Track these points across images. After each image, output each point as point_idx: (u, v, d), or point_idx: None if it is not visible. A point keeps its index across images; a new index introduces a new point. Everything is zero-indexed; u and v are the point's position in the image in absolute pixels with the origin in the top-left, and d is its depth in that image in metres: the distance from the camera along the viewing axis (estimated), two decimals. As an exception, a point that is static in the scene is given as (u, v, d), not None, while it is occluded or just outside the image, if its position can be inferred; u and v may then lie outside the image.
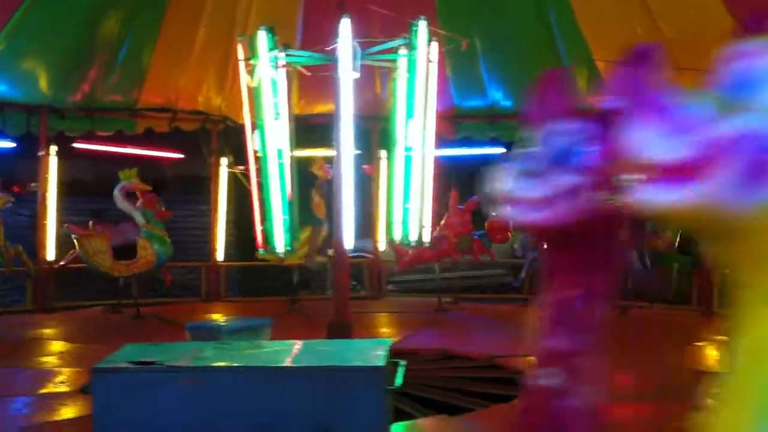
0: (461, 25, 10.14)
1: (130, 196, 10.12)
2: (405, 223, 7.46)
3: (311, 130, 11.14)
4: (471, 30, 10.37)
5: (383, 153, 10.88)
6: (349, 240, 7.10)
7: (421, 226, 7.51)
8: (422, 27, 7.21)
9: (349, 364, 3.67)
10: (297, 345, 4.21)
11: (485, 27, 10.51)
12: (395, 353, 4.08)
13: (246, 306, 11.18)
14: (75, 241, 9.91)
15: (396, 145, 7.68)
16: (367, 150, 12.73)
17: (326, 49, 7.23)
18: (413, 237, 7.44)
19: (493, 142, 12.64)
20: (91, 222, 10.20)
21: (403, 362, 3.88)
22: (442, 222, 10.66)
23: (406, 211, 7.47)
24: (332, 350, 4.31)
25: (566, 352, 3.04)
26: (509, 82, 11.45)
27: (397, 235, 7.65)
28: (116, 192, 10.01)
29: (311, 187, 10.25)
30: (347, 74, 6.90)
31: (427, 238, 7.76)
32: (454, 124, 12.07)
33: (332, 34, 7.05)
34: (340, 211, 7.01)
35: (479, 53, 10.82)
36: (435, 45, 7.51)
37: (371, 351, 3.86)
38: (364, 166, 13.32)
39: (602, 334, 3.15)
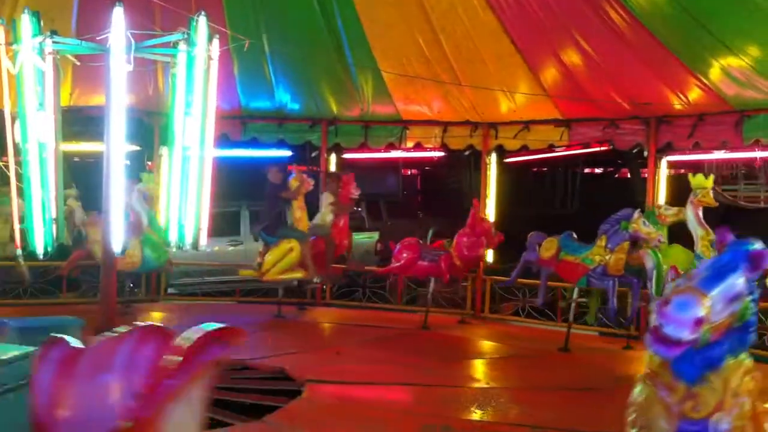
0: (249, 24, 10.02)
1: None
2: (180, 225, 7.18)
3: (86, 122, 10.54)
4: (259, 30, 10.27)
5: (165, 150, 10.44)
6: (117, 241, 6.74)
7: (198, 229, 7.25)
8: (202, 23, 6.97)
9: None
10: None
11: (272, 28, 10.40)
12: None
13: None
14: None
15: (174, 143, 7.38)
16: (150, 146, 12.28)
17: (98, 38, 6.82)
18: (189, 240, 7.17)
19: (281, 144, 12.60)
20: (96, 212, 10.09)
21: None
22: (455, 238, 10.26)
23: (182, 212, 7.18)
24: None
25: None
26: (297, 84, 11.46)
27: (173, 238, 7.35)
28: (136, 192, 10.12)
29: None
30: (119, 66, 6.54)
31: (204, 241, 7.51)
32: (241, 124, 11.91)
33: (108, 23, 6.68)
34: (109, 210, 6.64)
35: (267, 54, 10.70)
36: (216, 42, 7.30)
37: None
38: (149, 163, 12.84)
39: None
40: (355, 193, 10.90)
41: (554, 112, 10.76)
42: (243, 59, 10.32)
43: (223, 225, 12.80)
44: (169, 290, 12.35)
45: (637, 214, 8.55)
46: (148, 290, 11.71)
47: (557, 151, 12.36)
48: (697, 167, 14.16)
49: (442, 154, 12.62)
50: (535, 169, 23.83)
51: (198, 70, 7.04)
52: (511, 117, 11.12)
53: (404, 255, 10.37)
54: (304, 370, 7.59)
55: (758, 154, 11.47)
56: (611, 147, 11.22)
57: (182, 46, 7.08)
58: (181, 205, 7.24)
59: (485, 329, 10.54)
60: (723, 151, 10.21)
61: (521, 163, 19.05)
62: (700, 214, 8.55)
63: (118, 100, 6.64)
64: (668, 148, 10.31)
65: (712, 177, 9.08)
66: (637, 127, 10.32)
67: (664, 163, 10.40)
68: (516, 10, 9.26)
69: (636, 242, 8.78)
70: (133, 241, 9.94)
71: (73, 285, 11.51)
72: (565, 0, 8.86)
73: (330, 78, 11.29)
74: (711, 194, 8.67)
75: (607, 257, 8.76)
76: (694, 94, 9.34)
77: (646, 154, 10.37)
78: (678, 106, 9.64)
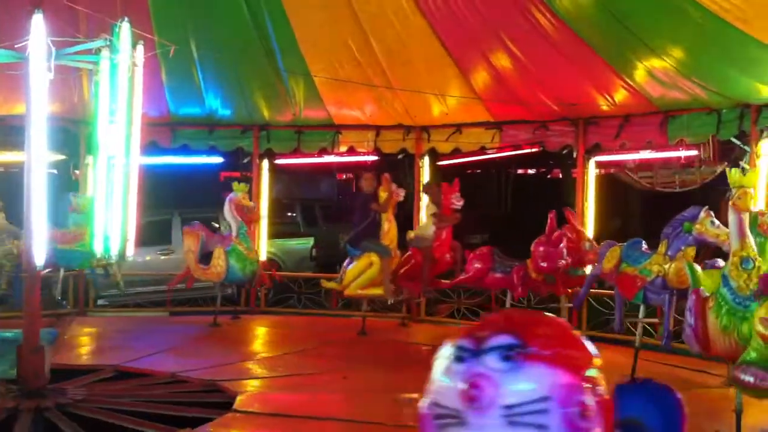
0: (177, 30, 9.85)
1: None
2: (106, 236, 7.00)
3: (9, 131, 10.24)
4: (187, 35, 10.11)
5: (90, 159, 10.22)
6: (40, 253, 6.54)
7: (124, 240, 7.09)
8: (125, 29, 6.81)
9: None
10: None
11: (201, 33, 10.25)
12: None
13: None
14: None
15: (99, 151, 7.21)
16: (77, 155, 12.00)
17: (16, 46, 6.61)
18: (114, 251, 7.00)
19: (212, 151, 12.43)
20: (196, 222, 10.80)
21: None
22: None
23: (108, 222, 7.01)
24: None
25: None
26: (228, 90, 11.33)
27: (98, 249, 7.17)
28: (227, 201, 10.24)
29: None
30: (39, 74, 6.35)
31: (131, 252, 7.35)
32: (170, 131, 11.70)
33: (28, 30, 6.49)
34: (31, 221, 6.45)
35: (196, 60, 10.54)
36: (140, 48, 7.14)
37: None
38: (76, 172, 12.54)
39: None
40: (458, 203, 9.92)
41: (485, 115, 10.85)
42: (171, 65, 10.13)
43: (155, 234, 12.57)
44: (99, 302, 12.06)
45: (704, 213, 7.00)
46: (76, 302, 11.40)
47: (490, 153, 12.45)
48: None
49: (376, 158, 12.58)
50: (469, 171, 24.04)
51: (122, 76, 6.88)
52: (444, 120, 11.17)
53: (475, 265, 9.59)
54: (237, 381, 7.49)
55: (682, 153, 11.77)
56: (542, 148, 11.36)
57: (105, 52, 6.92)
58: (107, 214, 7.07)
59: (424, 332, 10.54)
60: (649, 150, 10.38)
61: (455, 166, 19.18)
62: (745, 221, 6.12)
63: (38, 109, 6.44)
64: (596, 149, 10.49)
65: (755, 174, 7.06)
66: (566, 128, 10.48)
67: (592, 163, 10.57)
68: (445, 14, 9.31)
69: (702, 248, 7.44)
70: (218, 250, 10.08)
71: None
72: (493, 3, 8.93)
73: (261, 83, 11.17)
74: (749, 195, 6.19)
75: (666, 266, 7.31)
76: (620, 95, 9.52)
77: (575, 155, 10.53)
78: (605, 108, 9.81)
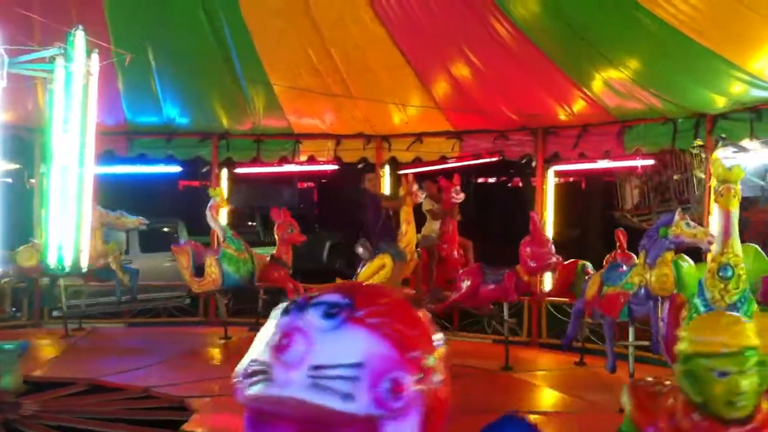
0: (133, 38, 9.71)
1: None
2: (59, 246, 6.87)
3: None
4: (144, 44, 9.99)
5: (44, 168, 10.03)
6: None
7: (78, 250, 6.96)
8: (79, 37, 6.74)
9: None
10: None
11: (158, 42, 10.11)
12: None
13: None
14: None
15: (52, 160, 7.10)
16: (31, 164, 11.81)
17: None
18: (68, 262, 6.87)
19: (171, 160, 12.29)
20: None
21: None
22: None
23: (60, 232, 6.89)
24: None
25: None
26: (186, 98, 11.20)
27: (52, 259, 7.04)
28: (208, 209, 10.20)
29: None
30: (-9, 82, 6.23)
31: (85, 263, 7.22)
32: (127, 140, 11.55)
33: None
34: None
35: (153, 68, 10.40)
36: (95, 57, 7.04)
37: None
38: (31, 181, 12.32)
39: None
40: (458, 197, 9.85)
41: (445, 124, 10.88)
42: (128, 74, 9.97)
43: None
44: (54, 313, 11.81)
45: (678, 215, 6.75)
46: (30, 314, 11.16)
47: (451, 162, 12.47)
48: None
49: (336, 167, 12.53)
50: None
51: (76, 85, 6.79)
52: (404, 129, 11.18)
53: (465, 283, 9.16)
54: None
55: (639, 162, 11.91)
56: (502, 157, 11.42)
57: (59, 61, 6.83)
58: (58, 224, 6.95)
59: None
60: (606, 160, 10.48)
61: (416, 175, 19.20)
62: (731, 219, 5.78)
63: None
64: (555, 158, 10.57)
65: (739, 169, 6.15)
66: (526, 138, 10.55)
67: (551, 172, 10.65)
68: (405, 23, 9.32)
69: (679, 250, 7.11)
70: (209, 259, 9.95)
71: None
72: (452, 13, 8.95)
73: (220, 91, 11.07)
74: (732, 192, 5.80)
75: (647, 275, 6.93)
76: (579, 105, 9.60)
77: (534, 164, 10.60)
78: (563, 117, 9.90)
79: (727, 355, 2.58)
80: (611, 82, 8.91)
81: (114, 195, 11.23)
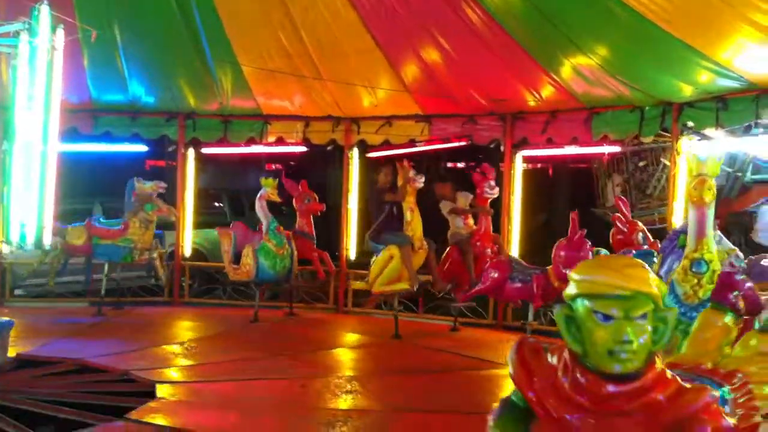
0: (100, 14, 9.58)
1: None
2: (22, 224, 6.78)
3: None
4: (111, 20, 9.85)
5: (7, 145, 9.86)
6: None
7: (41, 228, 6.87)
8: (44, 12, 6.62)
9: None
10: None
11: (125, 19, 9.97)
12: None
13: None
14: None
15: (15, 137, 6.99)
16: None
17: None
18: (30, 240, 6.78)
19: (135, 138, 12.14)
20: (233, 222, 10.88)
21: None
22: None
23: (23, 210, 6.79)
24: None
25: None
26: (151, 77, 11.07)
27: (15, 237, 6.94)
28: (258, 198, 10.19)
29: None
30: (-49, 56, 6.10)
31: (48, 241, 7.12)
32: (92, 118, 11.39)
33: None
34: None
35: (119, 45, 10.25)
36: (60, 32, 6.92)
37: None
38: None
39: None
40: (492, 191, 9.73)
41: (415, 108, 10.86)
42: (93, 50, 9.83)
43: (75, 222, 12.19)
44: (16, 291, 11.67)
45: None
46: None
47: (419, 146, 12.46)
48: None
49: (305, 149, 12.45)
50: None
51: (40, 61, 6.68)
52: (373, 112, 11.15)
53: (492, 275, 8.85)
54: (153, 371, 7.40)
55: (606, 148, 12.01)
56: (470, 142, 11.44)
57: (23, 36, 6.72)
58: (22, 202, 6.86)
59: (350, 321, 10.71)
60: (574, 146, 10.54)
61: (385, 158, 19.19)
62: (707, 215, 5.38)
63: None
64: (524, 143, 10.61)
65: (715, 161, 5.47)
66: (495, 123, 10.58)
67: (519, 157, 10.70)
68: (376, 6, 9.27)
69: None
70: (247, 248, 9.88)
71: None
72: (423, -3, 8.94)
73: (187, 71, 10.93)
74: (705, 186, 5.34)
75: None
76: (547, 91, 9.65)
77: (503, 149, 10.64)
78: (532, 103, 9.94)
79: (613, 297, 2.26)
80: (580, 69, 8.95)
81: (78, 173, 11.05)
